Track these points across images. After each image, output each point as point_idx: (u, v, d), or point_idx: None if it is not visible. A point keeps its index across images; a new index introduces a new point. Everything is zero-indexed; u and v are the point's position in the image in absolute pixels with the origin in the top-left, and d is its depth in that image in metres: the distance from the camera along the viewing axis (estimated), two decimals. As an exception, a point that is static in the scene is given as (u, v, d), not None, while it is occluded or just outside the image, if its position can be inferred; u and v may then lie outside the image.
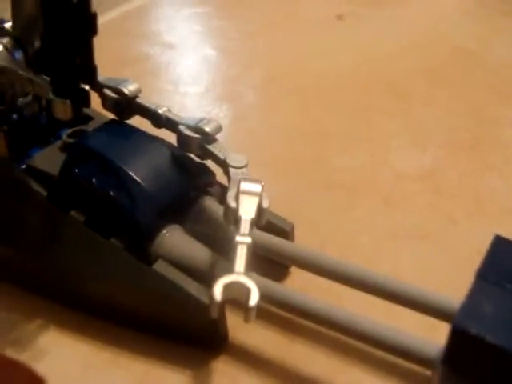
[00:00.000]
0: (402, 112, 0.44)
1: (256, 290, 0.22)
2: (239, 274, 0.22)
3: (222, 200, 0.28)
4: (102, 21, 0.24)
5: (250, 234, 0.23)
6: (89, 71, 0.24)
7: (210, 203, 0.28)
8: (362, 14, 0.61)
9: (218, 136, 0.28)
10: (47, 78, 0.25)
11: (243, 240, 0.23)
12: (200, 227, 0.28)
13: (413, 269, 0.31)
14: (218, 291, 0.22)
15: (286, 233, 0.29)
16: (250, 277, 0.22)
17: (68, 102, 0.25)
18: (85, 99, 0.25)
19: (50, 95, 0.25)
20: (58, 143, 0.30)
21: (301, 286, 0.29)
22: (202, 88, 0.48)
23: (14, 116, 0.30)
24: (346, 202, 0.36)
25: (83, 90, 0.25)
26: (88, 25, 0.23)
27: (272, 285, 0.25)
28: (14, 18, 0.27)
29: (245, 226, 0.24)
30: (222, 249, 0.27)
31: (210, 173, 0.29)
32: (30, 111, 0.31)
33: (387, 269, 0.31)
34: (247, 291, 0.22)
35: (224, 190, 0.29)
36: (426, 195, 0.36)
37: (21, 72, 0.26)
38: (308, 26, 0.59)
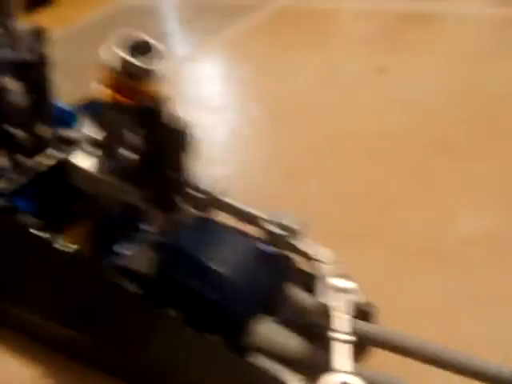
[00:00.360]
0: (457, 170, 0.45)
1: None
2: (340, 371, 0.24)
3: (305, 286, 0.30)
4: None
5: (347, 330, 0.25)
6: (180, 185, 0.26)
7: (294, 291, 0.30)
8: (402, 65, 0.62)
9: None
10: (142, 190, 0.27)
11: (340, 337, 0.25)
12: (286, 315, 0.29)
13: (490, 335, 0.32)
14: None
15: (368, 315, 0.30)
16: (355, 375, 0.23)
17: (167, 213, 0.27)
18: (177, 209, 0.27)
19: (146, 206, 0.27)
20: (144, 240, 0.32)
21: (381, 363, 0.31)
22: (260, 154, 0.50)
23: (100, 214, 0.32)
24: (415, 269, 0.37)
25: (175, 201, 0.27)
26: (185, 147, 0.24)
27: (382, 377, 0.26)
28: (102, 130, 0.29)
29: (340, 323, 0.25)
30: (309, 335, 0.28)
31: (292, 263, 0.30)
32: (114, 208, 0.33)
33: (464, 335, 0.32)
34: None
35: (306, 276, 0.31)
36: (493, 257, 0.37)
37: (115, 183, 0.28)
38: (352, 82, 0.61)
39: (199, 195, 0.30)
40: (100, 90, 0.27)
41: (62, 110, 0.41)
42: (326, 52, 0.68)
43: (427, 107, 0.54)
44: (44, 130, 0.37)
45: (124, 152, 0.29)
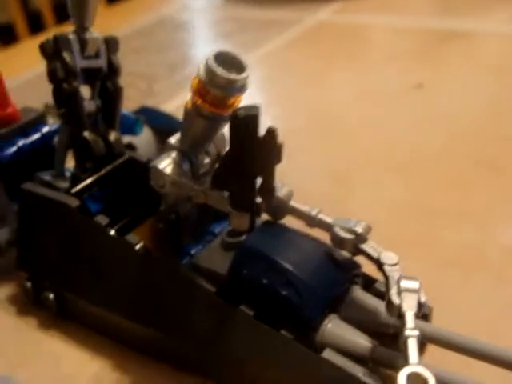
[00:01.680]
0: (497, 184, 0.47)
1: (433, 379, 0.25)
2: (416, 364, 0.25)
3: (366, 288, 0.32)
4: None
5: (416, 328, 0.27)
6: (268, 191, 0.28)
7: (358, 292, 0.32)
8: (440, 82, 0.64)
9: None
10: (224, 193, 0.29)
11: (412, 334, 0.26)
12: (352, 314, 0.31)
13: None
14: (402, 381, 0.25)
15: (425, 316, 0.32)
16: (425, 367, 0.25)
17: (246, 215, 0.29)
18: (259, 212, 0.29)
19: (229, 208, 0.29)
20: (217, 241, 0.34)
21: (439, 359, 0.32)
22: (304, 164, 0.52)
23: (172, 215, 0.34)
24: (461, 279, 0.38)
25: (259, 204, 0.29)
26: (274, 155, 0.26)
27: (446, 373, 0.28)
28: (183, 135, 0.31)
29: (410, 321, 0.27)
30: (372, 334, 0.30)
31: (357, 265, 0.32)
32: (184, 209, 0.35)
33: (508, 339, 0.34)
34: (425, 381, 0.25)
35: (366, 278, 0.33)
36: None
37: (195, 185, 0.30)
38: (390, 96, 0.63)
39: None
40: (189, 99, 0.29)
41: (125, 117, 0.43)
42: (364, 66, 0.70)
43: (466, 122, 0.56)
44: (113, 136, 0.39)
45: (203, 158, 0.31)
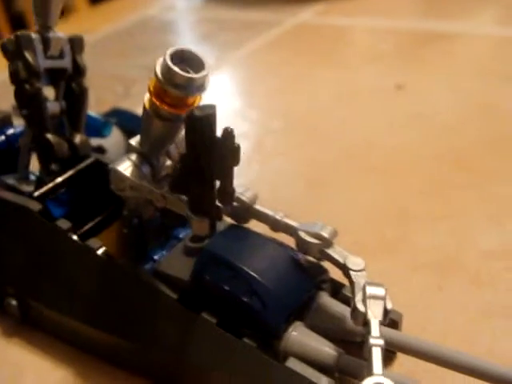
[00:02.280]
0: (475, 187, 0.46)
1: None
2: (379, 375, 0.24)
3: (333, 294, 0.31)
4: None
5: (381, 337, 0.26)
6: (226, 194, 0.27)
7: (325, 298, 0.31)
8: (420, 83, 0.63)
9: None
10: (183, 197, 0.28)
11: (377, 342, 0.26)
12: (318, 321, 0.30)
13: (507, 347, 0.33)
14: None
15: (395, 323, 0.31)
16: (388, 377, 0.24)
17: (206, 220, 0.28)
18: (220, 217, 0.28)
19: (188, 213, 0.28)
20: (180, 246, 0.33)
21: (408, 369, 0.32)
22: (281, 166, 0.51)
23: (135, 220, 0.33)
24: (435, 284, 0.38)
25: (219, 208, 0.28)
26: (232, 156, 0.25)
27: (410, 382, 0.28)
28: (143, 137, 0.30)
29: (375, 329, 0.26)
30: (339, 342, 0.29)
31: (324, 271, 0.31)
32: (147, 214, 0.34)
33: (482, 345, 0.33)
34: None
35: (335, 284, 0.32)
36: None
37: (154, 189, 0.29)
38: (370, 98, 0.62)
39: (234, 203, 0.31)
40: (146, 99, 0.28)
41: (93, 119, 0.42)
42: (344, 68, 0.70)
43: (444, 124, 0.55)
44: (78, 138, 0.38)
45: (164, 160, 0.30)
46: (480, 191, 0.46)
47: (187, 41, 0.91)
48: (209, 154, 0.25)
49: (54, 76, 0.37)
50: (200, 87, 0.27)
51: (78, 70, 0.38)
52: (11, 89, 0.36)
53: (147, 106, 0.28)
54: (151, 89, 0.27)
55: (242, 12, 0.94)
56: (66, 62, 0.37)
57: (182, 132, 0.29)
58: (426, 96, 0.61)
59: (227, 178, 0.26)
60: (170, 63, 0.26)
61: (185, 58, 0.27)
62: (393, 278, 0.38)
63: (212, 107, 0.25)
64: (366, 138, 0.54)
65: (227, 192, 0.27)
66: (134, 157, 0.30)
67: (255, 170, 0.51)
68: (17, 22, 1.23)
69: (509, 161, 0.49)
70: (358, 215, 0.44)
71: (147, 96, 0.28)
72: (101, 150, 0.44)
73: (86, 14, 1.13)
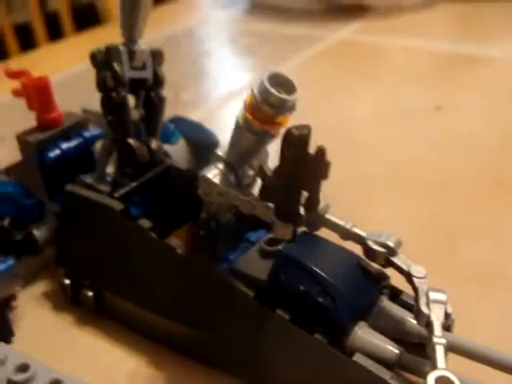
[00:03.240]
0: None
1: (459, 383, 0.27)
2: (443, 369, 0.28)
3: (392, 298, 0.34)
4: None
5: (443, 336, 0.29)
6: (313, 204, 0.30)
7: (386, 302, 0.34)
8: (458, 104, 0.66)
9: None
10: (269, 204, 0.31)
11: (440, 341, 0.29)
12: (380, 322, 0.33)
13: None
14: (431, 383, 0.27)
15: (448, 327, 0.34)
16: (452, 372, 0.27)
17: (290, 225, 0.31)
18: (302, 223, 0.31)
19: (273, 218, 0.31)
20: (255, 249, 0.36)
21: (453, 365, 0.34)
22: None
23: (213, 223, 0.36)
24: (480, 295, 0.40)
25: (301, 216, 0.31)
26: (322, 171, 0.28)
27: (470, 380, 0.30)
28: (231, 147, 0.33)
29: (438, 329, 0.29)
30: (397, 341, 0.32)
31: (386, 277, 0.34)
32: (224, 219, 0.37)
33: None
34: (451, 384, 0.27)
35: (393, 290, 0.35)
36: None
37: (241, 196, 0.32)
38: (409, 117, 0.65)
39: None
40: (239, 113, 0.31)
41: (164, 127, 0.46)
42: (383, 86, 0.72)
43: (484, 144, 0.58)
44: (154, 143, 0.41)
45: (247, 170, 0.33)
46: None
47: (229, 53, 0.94)
48: (302, 169, 0.28)
49: (136, 85, 0.41)
50: (290, 108, 0.30)
51: (158, 81, 0.41)
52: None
53: (240, 119, 0.31)
54: (247, 105, 0.30)
55: (282, 26, 0.97)
56: (147, 73, 0.41)
57: (266, 146, 0.33)
58: (464, 117, 0.64)
59: (315, 190, 0.30)
60: (267, 85, 0.29)
61: (279, 81, 0.30)
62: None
63: (307, 128, 0.28)
64: (408, 155, 0.57)
65: (314, 203, 0.30)
66: (221, 165, 0.33)
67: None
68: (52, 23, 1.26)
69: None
70: (406, 229, 0.46)
71: (241, 111, 0.31)
72: (166, 155, 0.47)
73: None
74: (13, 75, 0.42)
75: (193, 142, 0.50)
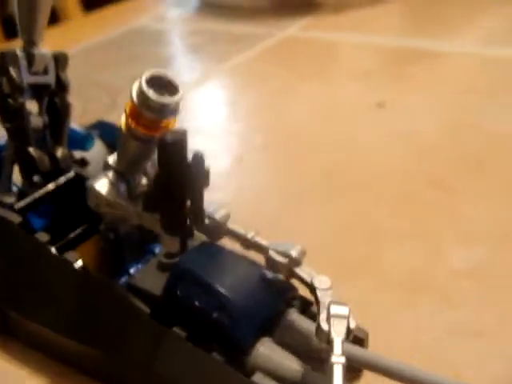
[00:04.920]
0: (447, 205, 0.47)
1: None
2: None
3: (303, 311, 0.32)
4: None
5: (343, 354, 0.27)
6: (196, 214, 0.28)
7: (294, 315, 0.32)
8: (402, 101, 0.64)
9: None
10: (156, 215, 0.29)
11: (338, 360, 0.27)
12: (287, 338, 0.31)
13: (474, 364, 0.34)
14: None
15: (361, 340, 0.32)
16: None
17: (176, 237, 0.29)
18: (191, 235, 0.29)
19: (160, 230, 0.29)
20: (154, 261, 0.34)
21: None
22: (260, 181, 0.52)
23: (111, 234, 0.34)
24: (404, 302, 0.38)
25: (190, 226, 0.29)
26: (202, 179, 0.26)
27: None
28: (119, 155, 0.31)
29: (338, 347, 0.27)
30: (307, 358, 0.30)
31: (293, 288, 0.32)
32: (124, 229, 0.35)
33: (449, 363, 0.34)
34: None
35: (303, 301, 0.33)
36: (481, 291, 0.39)
37: (129, 207, 0.30)
38: (350, 114, 0.63)
39: (206, 221, 0.32)
40: (122, 120, 0.29)
41: (76, 132, 0.43)
42: (327, 83, 0.71)
43: (422, 142, 0.56)
44: (59, 152, 0.39)
45: (140, 178, 0.31)
46: (453, 210, 0.47)
47: (176, 52, 0.92)
48: (179, 177, 0.26)
49: (38, 91, 0.38)
50: (173, 111, 0.28)
51: (61, 86, 0.39)
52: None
53: (123, 126, 0.29)
54: (127, 111, 0.28)
55: (231, 24, 0.95)
56: (49, 78, 0.38)
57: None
58: (406, 114, 0.62)
59: (197, 199, 0.27)
60: (144, 87, 0.27)
61: (161, 82, 0.27)
62: (363, 295, 0.39)
63: (183, 133, 0.26)
64: (343, 155, 0.56)
65: (197, 212, 0.28)
66: (110, 174, 0.30)
67: (232, 185, 0.52)
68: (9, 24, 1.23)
69: (484, 180, 0.50)
70: (332, 233, 0.45)
71: (123, 117, 0.29)
72: (84, 162, 0.45)
73: (78, 23, 1.14)
74: None
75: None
